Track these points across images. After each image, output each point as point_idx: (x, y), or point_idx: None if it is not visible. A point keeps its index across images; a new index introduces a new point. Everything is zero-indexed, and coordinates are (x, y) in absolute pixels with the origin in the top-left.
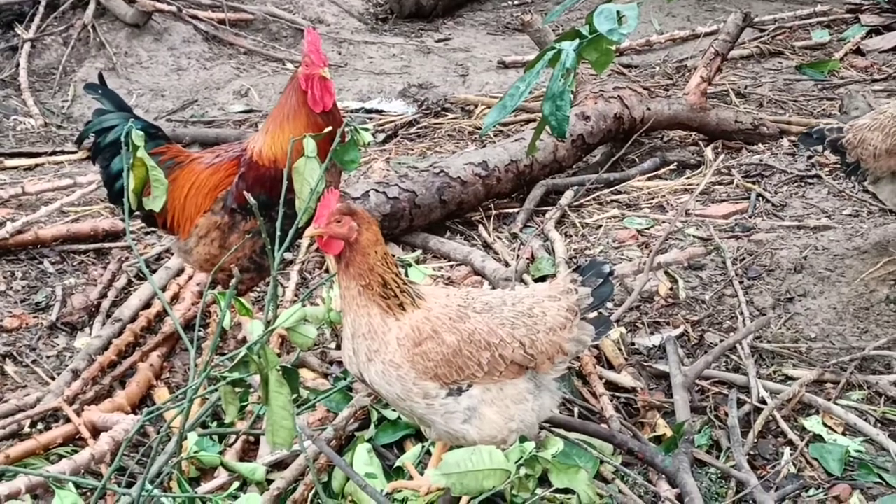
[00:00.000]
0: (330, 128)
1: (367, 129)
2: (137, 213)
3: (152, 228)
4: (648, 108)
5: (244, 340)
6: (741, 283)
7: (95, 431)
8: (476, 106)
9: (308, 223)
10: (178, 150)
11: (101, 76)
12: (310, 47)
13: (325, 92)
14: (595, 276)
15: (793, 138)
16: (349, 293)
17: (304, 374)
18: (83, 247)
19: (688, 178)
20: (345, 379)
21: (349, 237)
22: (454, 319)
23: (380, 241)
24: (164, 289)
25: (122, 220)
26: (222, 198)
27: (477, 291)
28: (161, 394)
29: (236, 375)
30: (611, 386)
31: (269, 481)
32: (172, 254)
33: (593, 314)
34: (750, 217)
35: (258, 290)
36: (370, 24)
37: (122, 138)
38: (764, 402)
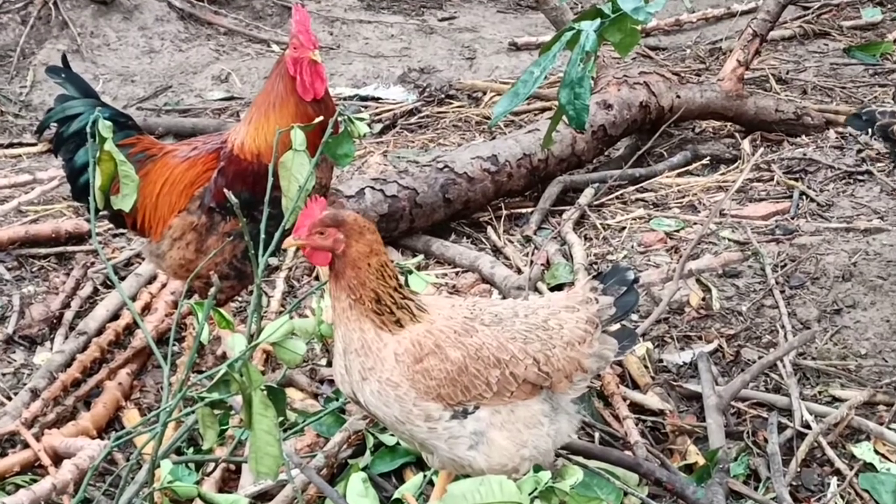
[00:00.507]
0: (321, 118)
1: (362, 119)
2: (105, 212)
3: (121, 230)
4: (678, 96)
5: (224, 356)
6: (782, 292)
7: (57, 458)
8: (484, 93)
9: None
10: (151, 141)
11: (64, 58)
12: (298, 27)
13: (316, 77)
14: (618, 283)
15: (840, 129)
16: (339, 304)
17: (292, 393)
18: (43, 251)
19: (722, 174)
20: (337, 400)
21: (335, 249)
22: (459, 333)
23: (375, 252)
24: (134, 298)
25: (87, 220)
26: (199, 195)
27: (485, 301)
28: (131, 416)
29: (216, 396)
30: (636, 408)
31: None
32: (144, 259)
33: (616, 326)
34: (792, 218)
35: (240, 299)
36: (366, 1)
37: (88, 128)
38: (808, 427)
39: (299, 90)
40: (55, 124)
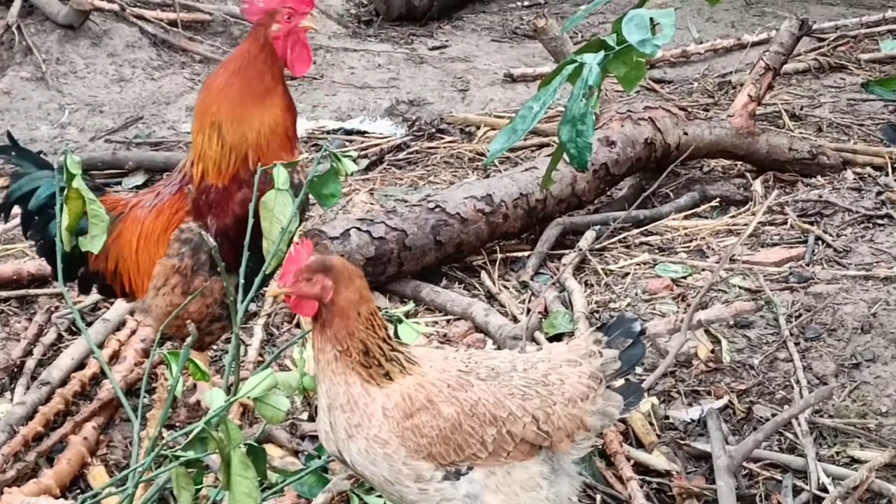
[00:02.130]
0: (305, 155)
1: (349, 157)
2: (94, 283)
3: (112, 299)
4: (685, 133)
5: (198, 406)
6: (797, 344)
7: None
8: (478, 127)
9: (277, 268)
10: (114, 199)
11: (10, 135)
12: None
13: (305, 49)
14: (623, 335)
15: (858, 170)
16: (324, 356)
17: (271, 450)
18: (4, 293)
19: (733, 216)
20: (319, 457)
21: (323, 298)
22: (453, 388)
23: (364, 300)
24: (101, 346)
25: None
26: (176, 237)
27: (481, 354)
28: (97, 474)
29: (191, 455)
30: (641, 468)
31: None
32: (111, 303)
33: (620, 381)
34: (807, 265)
35: (215, 346)
36: (351, 27)
37: (59, 191)
38: (825, 490)
39: (294, 68)
40: (17, 207)
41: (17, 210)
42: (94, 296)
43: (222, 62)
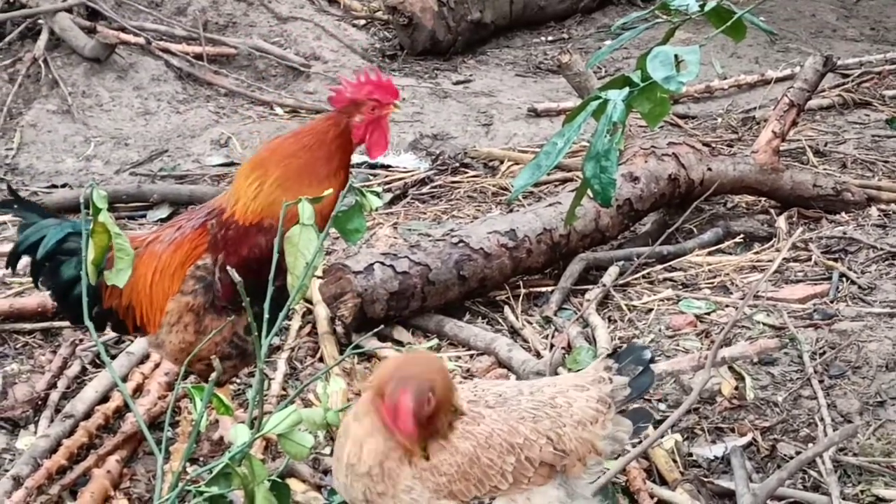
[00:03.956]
0: (331, 189)
1: (374, 192)
2: (108, 321)
3: (126, 336)
4: (709, 169)
5: (221, 441)
6: (821, 382)
7: None
8: (501, 162)
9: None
10: (130, 235)
11: (10, 188)
12: (370, 87)
13: (384, 135)
14: (634, 363)
15: (883, 207)
16: (376, 441)
17: (293, 485)
18: (28, 326)
19: (757, 253)
20: None
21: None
22: (466, 421)
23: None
24: (125, 379)
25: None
26: (192, 274)
27: (486, 382)
28: None
29: (215, 490)
30: None
31: None
32: (136, 336)
33: (629, 407)
34: (832, 302)
35: (237, 380)
36: (376, 61)
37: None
38: None
39: (372, 152)
40: (26, 256)
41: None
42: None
43: (296, 130)
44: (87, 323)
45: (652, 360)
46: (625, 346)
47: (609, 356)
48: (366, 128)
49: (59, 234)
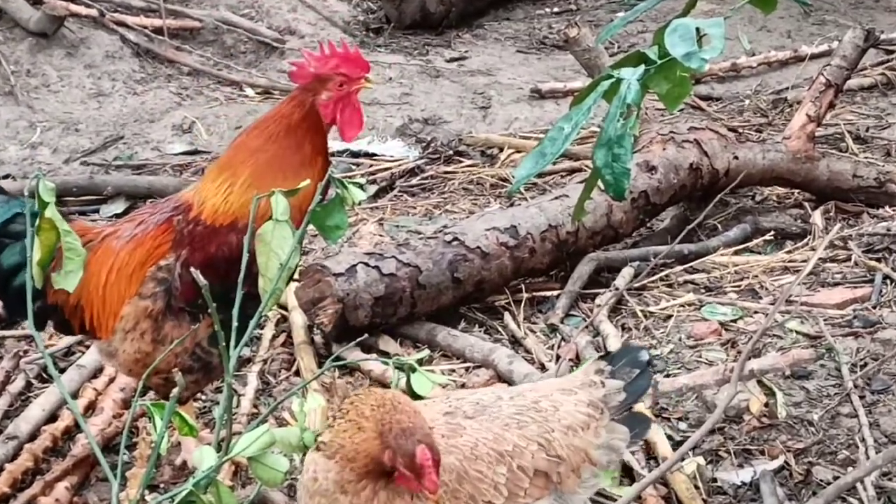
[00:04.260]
0: (308, 181)
1: (357, 184)
2: (50, 318)
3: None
4: (736, 157)
5: (184, 466)
6: (862, 398)
7: None
8: (501, 149)
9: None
10: (83, 226)
11: None
12: (338, 60)
13: (357, 112)
14: (629, 365)
15: None
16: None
17: None
18: None
19: (789, 252)
20: None
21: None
22: (446, 435)
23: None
24: (75, 395)
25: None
26: (152, 275)
27: (460, 392)
28: None
29: None
30: None
31: None
32: (87, 347)
33: (624, 413)
34: (874, 307)
35: (203, 397)
36: (359, 36)
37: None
38: None
39: (344, 132)
40: None
41: None
42: (69, 338)
43: (258, 120)
44: (32, 330)
45: (650, 362)
46: (620, 346)
47: (601, 358)
48: (335, 106)
49: (5, 213)
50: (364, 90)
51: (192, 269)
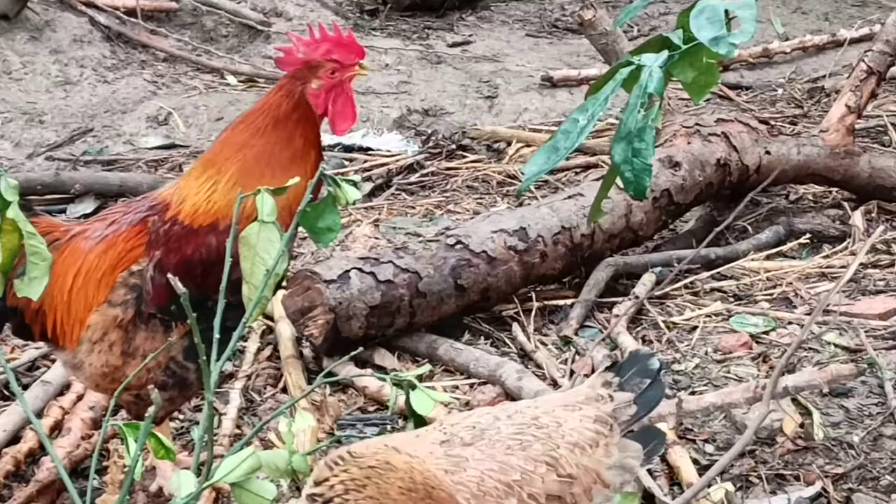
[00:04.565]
0: (297, 178)
1: (351, 182)
2: (7, 321)
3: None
4: (767, 152)
5: (160, 492)
6: None
7: None
8: (509, 143)
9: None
10: (50, 223)
11: None
12: (330, 45)
13: (349, 102)
14: (639, 375)
15: None
16: None
17: None
18: None
19: (826, 256)
20: None
21: None
22: (449, 471)
23: None
24: (40, 414)
25: None
26: (123, 281)
27: (453, 416)
28: None
29: None
30: None
31: None
32: (53, 361)
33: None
34: None
35: (181, 415)
36: (352, 18)
37: None
38: None
39: (336, 124)
40: None
41: None
42: (32, 352)
43: (245, 113)
44: None
45: (661, 370)
46: (628, 354)
47: (608, 369)
48: (326, 95)
49: None
50: (358, 78)
51: (168, 275)
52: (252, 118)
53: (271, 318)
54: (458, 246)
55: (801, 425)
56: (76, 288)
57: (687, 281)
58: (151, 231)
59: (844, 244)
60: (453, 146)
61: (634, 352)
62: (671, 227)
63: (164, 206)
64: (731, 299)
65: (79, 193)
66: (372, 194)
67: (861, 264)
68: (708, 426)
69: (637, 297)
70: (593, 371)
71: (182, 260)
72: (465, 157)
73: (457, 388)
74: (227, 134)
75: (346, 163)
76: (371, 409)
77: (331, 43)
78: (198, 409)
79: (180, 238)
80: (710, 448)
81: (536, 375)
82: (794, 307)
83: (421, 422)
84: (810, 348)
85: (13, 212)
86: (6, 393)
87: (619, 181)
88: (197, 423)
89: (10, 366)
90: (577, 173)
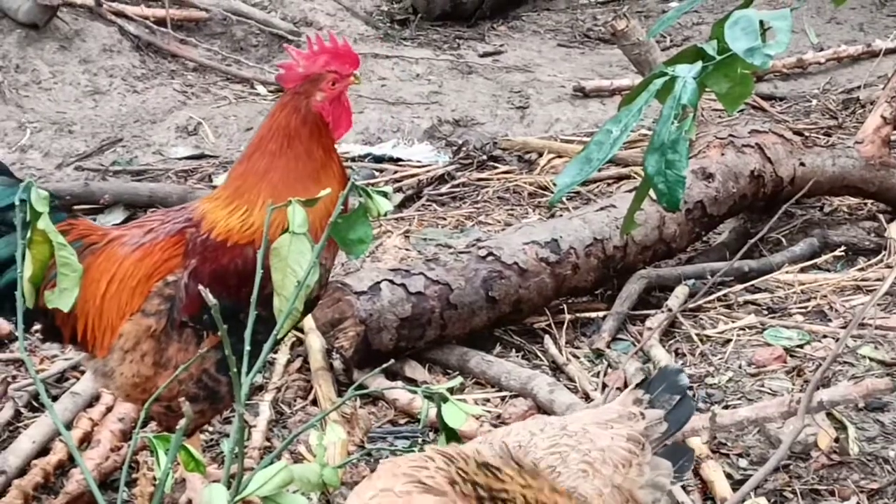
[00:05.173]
0: (328, 190)
1: (382, 193)
2: (37, 323)
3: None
4: (802, 164)
5: None
6: None
7: None
8: (540, 154)
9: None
10: (88, 226)
11: None
12: (328, 56)
13: (346, 110)
14: (668, 391)
15: None
16: None
17: None
18: None
19: (862, 269)
20: None
21: None
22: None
23: None
24: (70, 426)
25: (11, 321)
26: (158, 291)
27: (495, 433)
28: None
29: None
30: None
31: None
32: (83, 373)
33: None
34: None
35: (210, 428)
36: (383, 28)
37: (18, 203)
38: None
39: (334, 133)
40: None
41: None
42: (62, 363)
43: (254, 141)
44: (23, 354)
45: (690, 386)
46: (657, 370)
47: (638, 386)
48: (330, 105)
49: (4, 199)
50: (351, 87)
51: (201, 288)
52: (264, 143)
53: (301, 330)
54: (489, 258)
55: (836, 440)
56: (109, 294)
57: (720, 294)
58: (189, 241)
59: (880, 257)
60: (484, 157)
61: (663, 368)
62: (704, 239)
63: (201, 222)
64: (765, 312)
65: (108, 204)
66: (402, 205)
67: None
68: (742, 440)
69: (670, 310)
70: (626, 385)
71: (217, 269)
72: (496, 167)
73: (488, 400)
74: (244, 166)
75: (377, 173)
76: (402, 421)
77: (329, 54)
78: (227, 421)
79: (217, 248)
80: (743, 462)
81: (568, 388)
82: (829, 320)
83: (452, 435)
84: (845, 362)
85: (44, 223)
86: (35, 404)
87: (652, 193)
88: (227, 435)
89: (40, 377)
90: (609, 185)
